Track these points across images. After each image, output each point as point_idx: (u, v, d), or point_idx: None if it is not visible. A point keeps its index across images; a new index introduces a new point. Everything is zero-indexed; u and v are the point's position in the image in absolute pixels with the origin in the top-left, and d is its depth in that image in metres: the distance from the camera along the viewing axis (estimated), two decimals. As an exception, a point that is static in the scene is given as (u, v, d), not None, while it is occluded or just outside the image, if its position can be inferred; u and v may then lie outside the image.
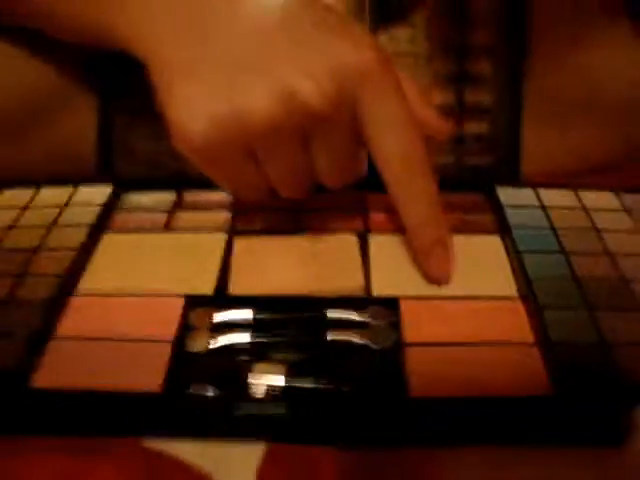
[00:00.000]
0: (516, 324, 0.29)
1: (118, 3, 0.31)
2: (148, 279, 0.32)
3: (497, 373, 0.27)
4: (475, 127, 0.40)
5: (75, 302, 0.31)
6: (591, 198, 0.36)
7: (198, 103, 0.28)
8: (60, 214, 0.37)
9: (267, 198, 0.33)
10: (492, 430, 0.26)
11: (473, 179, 0.38)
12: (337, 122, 0.29)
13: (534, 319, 0.29)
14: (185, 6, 0.30)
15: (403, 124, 0.29)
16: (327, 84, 0.28)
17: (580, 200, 0.36)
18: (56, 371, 0.28)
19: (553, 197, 0.36)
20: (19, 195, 0.39)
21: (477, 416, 0.26)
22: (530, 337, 0.29)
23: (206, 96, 0.28)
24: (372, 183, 0.36)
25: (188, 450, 0.26)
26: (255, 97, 0.28)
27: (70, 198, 0.38)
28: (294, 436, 0.26)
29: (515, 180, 0.38)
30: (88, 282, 0.32)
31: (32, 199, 0.38)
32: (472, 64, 0.39)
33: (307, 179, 0.31)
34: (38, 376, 0.27)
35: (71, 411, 0.27)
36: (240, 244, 0.35)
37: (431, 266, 0.31)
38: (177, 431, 0.27)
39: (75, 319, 0.30)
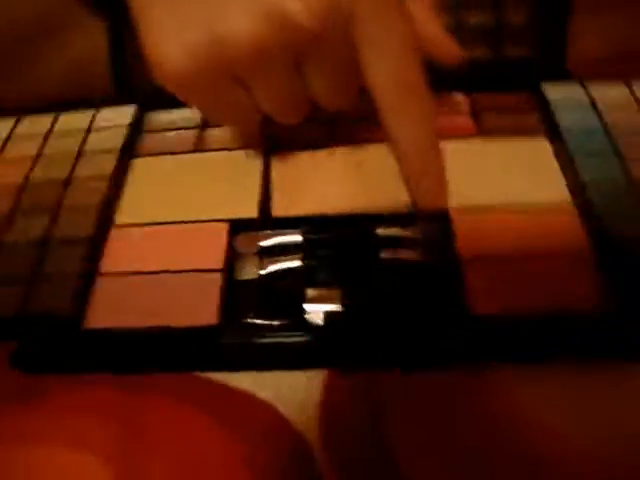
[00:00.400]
0: (571, 232, 0.29)
1: None
2: (187, 205, 0.32)
3: (551, 285, 0.27)
4: (517, 15, 0.37)
5: (115, 235, 0.31)
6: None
7: (173, 30, 0.25)
8: (85, 141, 0.35)
9: (260, 126, 0.31)
10: (554, 347, 0.26)
11: (515, 75, 0.36)
12: (329, 41, 0.26)
13: (589, 226, 0.28)
14: None
15: (400, 47, 0.27)
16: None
17: (633, 93, 0.34)
18: (108, 310, 0.28)
19: (604, 92, 0.34)
20: (39, 122, 0.37)
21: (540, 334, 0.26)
22: (585, 245, 0.28)
23: (181, 21, 0.25)
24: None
25: (248, 381, 0.26)
26: (236, 19, 0.25)
27: (92, 122, 0.37)
28: (354, 363, 0.27)
29: (561, 74, 0.36)
30: (125, 213, 0.32)
31: (53, 126, 0.37)
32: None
33: (302, 103, 0.29)
34: (91, 316, 0.27)
35: (128, 350, 0.27)
36: (279, 161, 0.33)
37: (422, 197, 0.29)
38: (236, 363, 0.27)
39: (118, 253, 0.30)
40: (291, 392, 0.26)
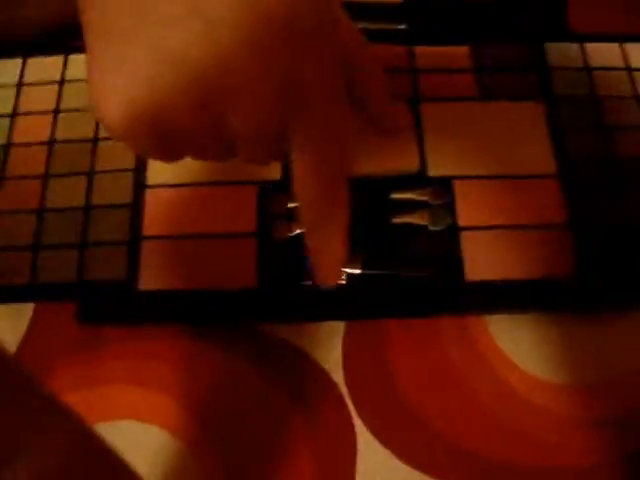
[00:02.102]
0: (553, 204, 0.34)
1: None
2: (214, 166, 0.34)
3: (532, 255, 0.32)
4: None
5: (151, 197, 0.34)
6: (637, 55, 0.37)
7: (118, 85, 0.23)
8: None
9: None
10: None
11: (519, 27, 0.39)
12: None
13: (569, 199, 0.34)
14: None
15: (323, 142, 0.25)
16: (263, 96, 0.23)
17: (625, 58, 0.37)
18: (156, 273, 0.33)
19: (599, 55, 0.37)
20: (50, 65, 0.38)
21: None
22: (562, 218, 0.33)
23: (127, 78, 0.23)
24: (416, 35, 0.37)
25: (284, 332, 0.33)
26: (175, 92, 0.23)
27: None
28: (369, 313, 0.33)
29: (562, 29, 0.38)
30: (156, 174, 0.35)
31: (63, 73, 0.38)
32: None
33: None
34: (142, 279, 0.32)
35: (177, 308, 0.32)
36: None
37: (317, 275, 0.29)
38: (273, 317, 0.33)
39: (156, 216, 0.34)
40: (320, 340, 0.32)
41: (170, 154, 0.26)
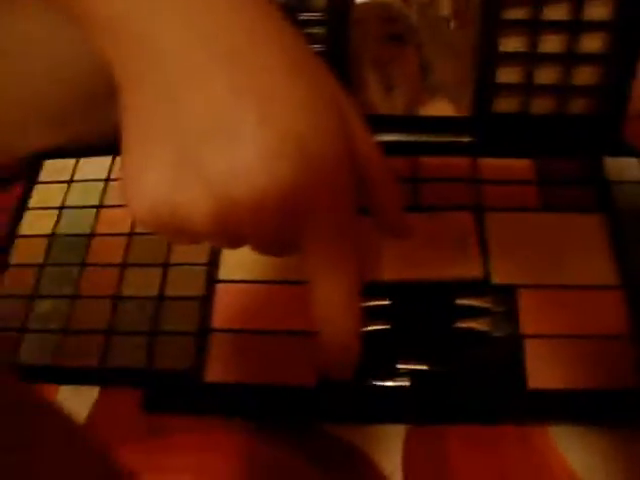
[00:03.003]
0: (617, 314, 0.34)
1: None
2: (281, 264, 0.36)
3: (595, 365, 0.33)
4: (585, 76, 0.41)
5: (221, 291, 0.36)
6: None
7: (144, 181, 0.25)
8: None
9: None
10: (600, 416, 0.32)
11: (579, 141, 0.41)
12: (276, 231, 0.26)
13: (633, 310, 0.34)
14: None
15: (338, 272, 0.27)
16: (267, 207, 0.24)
17: None
18: (222, 366, 0.34)
19: None
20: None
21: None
22: (626, 329, 0.34)
23: (153, 176, 0.25)
24: (481, 147, 0.40)
25: (344, 431, 0.33)
26: (194, 195, 0.25)
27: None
28: (430, 418, 0.33)
29: (618, 136, 0.40)
30: (228, 270, 0.37)
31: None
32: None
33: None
34: (209, 371, 0.33)
35: (241, 401, 0.33)
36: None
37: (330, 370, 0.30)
38: (333, 417, 0.33)
39: (226, 310, 0.36)
40: (380, 443, 0.33)
41: (195, 242, 0.27)
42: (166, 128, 0.24)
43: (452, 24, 0.41)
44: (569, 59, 0.40)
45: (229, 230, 0.25)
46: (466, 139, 0.42)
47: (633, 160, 0.40)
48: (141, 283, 0.36)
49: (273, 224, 0.25)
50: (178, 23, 0.24)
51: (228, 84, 0.23)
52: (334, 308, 0.27)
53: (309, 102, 0.24)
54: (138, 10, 0.23)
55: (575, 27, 0.39)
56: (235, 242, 0.27)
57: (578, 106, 0.41)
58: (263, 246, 0.27)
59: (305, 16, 0.40)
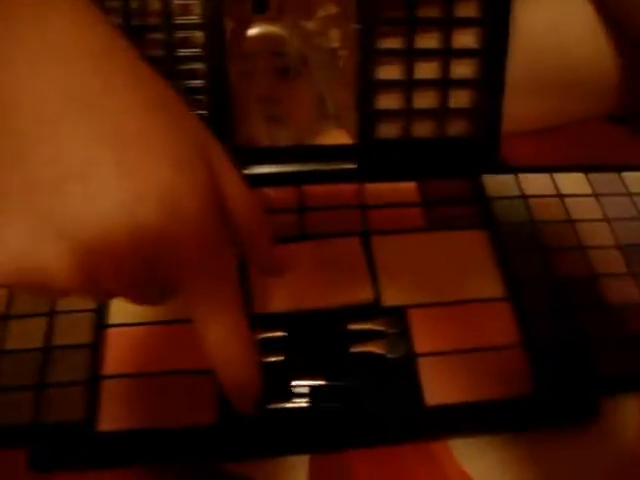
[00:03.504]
0: (505, 327, 0.36)
1: None
2: (175, 305, 0.36)
3: (489, 377, 0.34)
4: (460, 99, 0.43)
5: (111, 336, 0.35)
6: (566, 183, 0.42)
7: (3, 237, 0.24)
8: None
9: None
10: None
11: (458, 162, 0.43)
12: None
13: (520, 319, 0.36)
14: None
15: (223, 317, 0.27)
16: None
17: (556, 186, 0.41)
18: (115, 413, 0.33)
19: (532, 184, 0.41)
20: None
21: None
22: (515, 339, 0.35)
23: (12, 232, 0.24)
24: (364, 172, 0.41)
25: (248, 468, 0.32)
26: (52, 253, 0.24)
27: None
28: (331, 446, 0.33)
29: (497, 162, 0.43)
30: (117, 313, 0.36)
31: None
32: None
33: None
34: (101, 420, 0.32)
35: (138, 448, 0.32)
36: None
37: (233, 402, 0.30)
38: (233, 455, 0.32)
39: (117, 355, 0.34)
40: (283, 476, 0.32)
41: (63, 296, 0.26)
42: (20, 181, 0.23)
43: (341, 53, 0.43)
44: (444, 84, 0.42)
45: (93, 283, 0.24)
46: (351, 166, 0.43)
47: (510, 177, 0.43)
48: (24, 335, 0.34)
49: (136, 274, 0.24)
50: (29, 72, 0.23)
51: (82, 131, 0.23)
52: (225, 348, 0.27)
53: (169, 146, 0.24)
54: None
55: (446, 54, 0.41)
56: (104, 295, 0.26)
57: (456, 128, 0.43)
58: (134, 297, 0.27)
59: (183, 52, 0.40)
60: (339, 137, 0.44)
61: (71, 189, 0.22)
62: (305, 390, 0.34)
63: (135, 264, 0.24)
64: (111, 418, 0.33)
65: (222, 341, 0.27)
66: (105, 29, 0.25)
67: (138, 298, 0.27)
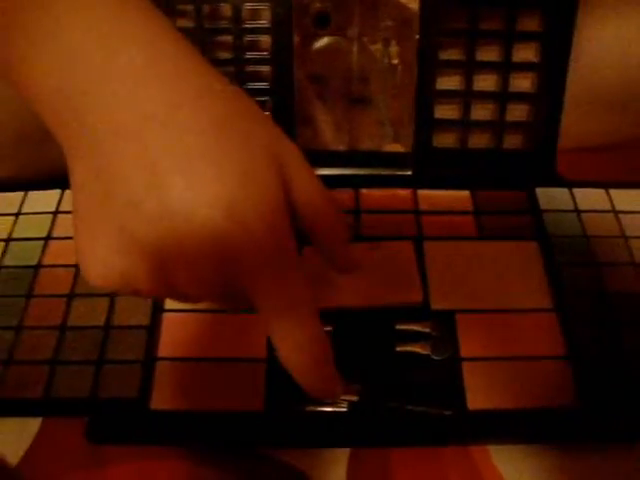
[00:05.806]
0: (549, 337, 0.36)
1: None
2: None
3: (532, 385, 0.34)
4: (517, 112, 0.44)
5: (167, 320, 0.37)
6: (621, 199, 0.42)
7: (92, 252, 0.26)
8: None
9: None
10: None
11: (513, 174, 0.43)
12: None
13: (566, 331, 0.36)
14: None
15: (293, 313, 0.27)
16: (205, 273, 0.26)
17: (611, 201, 0.42)
18: (168, 394, 0.35)
19: (586, 198, 0.42)
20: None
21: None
22: (560, 349, 0.36)
23: (100, 248, 0.26)
24: (418, 179, 0.42)
25: (289, 455, 0.34)
26: (133, 263, 0.26)
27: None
28: (372, 442, 0.34)
29: (552, 175, 0.43)
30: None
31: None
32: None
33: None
34: (154, 399, 0.34)
35: (186, 429, 0.34)
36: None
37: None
38: (278, 441, 0.34)
39: (172, 339, 0.37)
40: (324, 467, 0.33)
41: (148, 297, 0.29)
42: (101, 196, 0.25)
43: (399, 68, 0.44)
44: (502, 97, 0.43)
45: (170, 288, 0.26)
46: (407, 172, 0.44)
47: (564, 190, 0.43)
48: (88, 313, 0.37)
49: (208, 282, 0.26)
50: (109, 91, 0.24)
51: (156, 147, 0.24)
52: (303, 355, 0.27)
53: (235, 161, 0.25)
54: (70, 86, 0.24)
55: (506, 68, 0.43)
56: (183, 299, 0.28)
57: (512, 141, 0.44)
58: (212, 301, 0.29)
59: (250, 54, 0.42)
60: (387, 144, 0.45)
61: (146, 205, 0.24)
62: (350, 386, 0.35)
63: (205, 272, 0.25)
64: (163, 398, 0.35)
65: (299, 349, 0.27)
66: (176, 48, 0.26)
67: (216, 302, 0.29)
